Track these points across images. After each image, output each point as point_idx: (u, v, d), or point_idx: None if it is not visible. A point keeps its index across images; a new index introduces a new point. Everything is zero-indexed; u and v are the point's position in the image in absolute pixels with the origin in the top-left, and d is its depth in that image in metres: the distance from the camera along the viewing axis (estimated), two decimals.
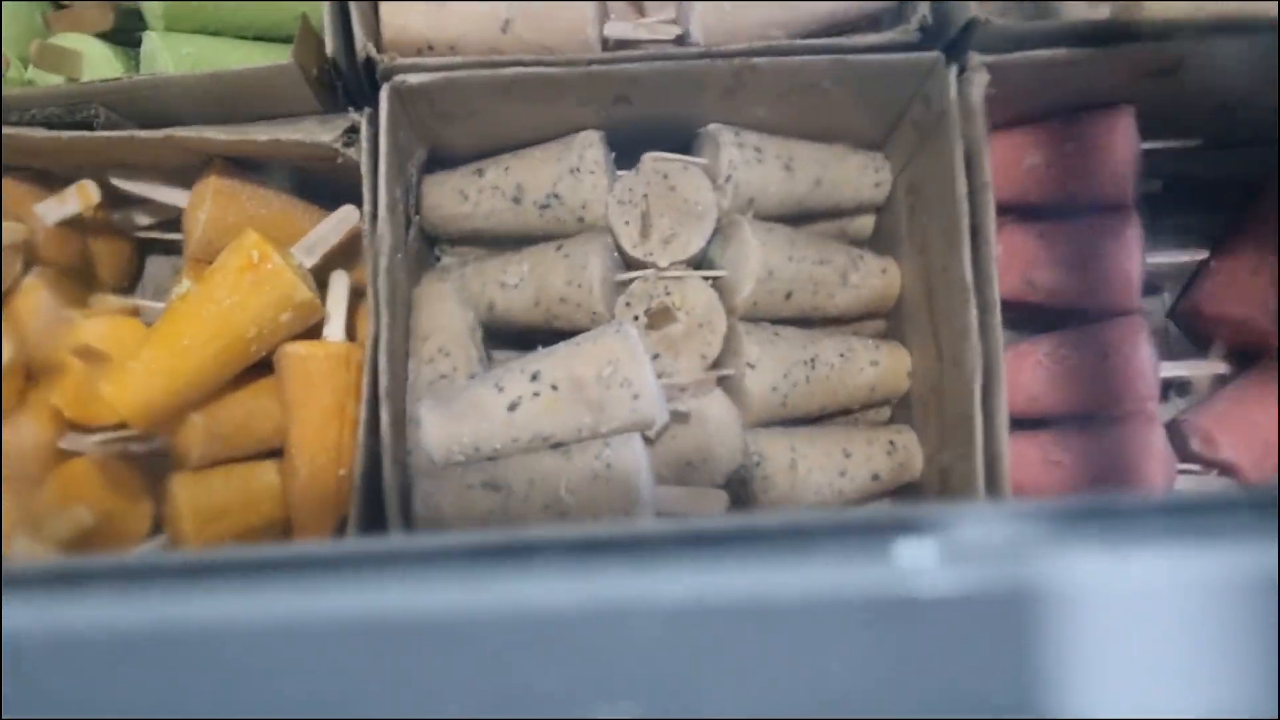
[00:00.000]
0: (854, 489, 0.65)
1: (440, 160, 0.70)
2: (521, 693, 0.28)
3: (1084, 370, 0.66)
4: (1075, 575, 0.27)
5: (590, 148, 0.66)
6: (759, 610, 0.27)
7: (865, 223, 0.75)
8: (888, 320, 0.74)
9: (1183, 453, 0.68)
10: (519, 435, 0.58)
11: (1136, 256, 0.64)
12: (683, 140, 0.69)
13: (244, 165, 0.67)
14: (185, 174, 0.67)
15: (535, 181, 0.66)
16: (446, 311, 0.66)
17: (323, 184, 0.67)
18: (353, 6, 0.60)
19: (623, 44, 0.64)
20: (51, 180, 0.67)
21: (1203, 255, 0.71)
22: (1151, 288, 0.65)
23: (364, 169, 0.61)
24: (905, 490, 0.69)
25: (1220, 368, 0.68)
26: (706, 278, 0.66)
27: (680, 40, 0.64)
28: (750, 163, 0.66)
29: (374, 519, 0.58)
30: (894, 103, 0.65)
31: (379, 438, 0.58)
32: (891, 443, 0.67)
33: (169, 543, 0.63)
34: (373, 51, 0.60)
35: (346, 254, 0.67)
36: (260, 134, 0.62)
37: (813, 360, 0.65)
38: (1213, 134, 0.68)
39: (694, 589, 0.27)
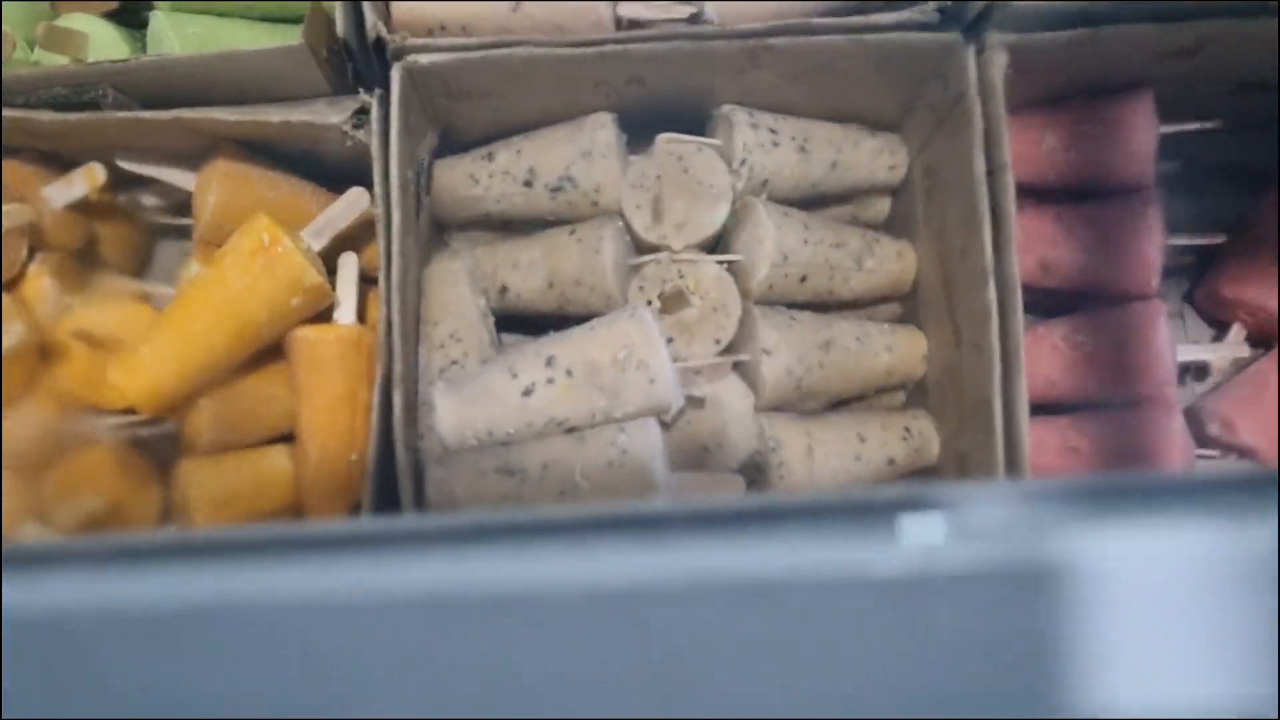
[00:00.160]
0: (870, 474, 0.65)
1: (451, 143, 0.69)
2: (518, 673, 0.27)
3: (1101, 355, 0.65)
4: (1083, 553, 0.27)
5: (602, 129, 0.65)
6: (766, 589, 0.27)
7: (880, 206, 0.74)
8: (902, 304, 0.73)
9: (1201, 438, 0.67)
10: (533, 420, 0.58)
11: (1157, 240, 0.63)
12: (695, 122, 0.68)
13: (251, 147, 0.66)
14: (192, 157, 0.66)
15: (547, 164, 0.66)
16: (458, 296, 0.65)
17: (331, 166, 0.66)
18: None
19: (635, 24, 0.63)
20: (58, 163, 0.66)
21: (1221, 238, 0.70)
22: (1167, 270, 0.64)
23: (374, 150, 0.60)
24: (921, 475, 0.69)
25: (1242, 351, 0.67)
26: (721, 262, 0.65)
27: (694, 19, 0.63)
28: (765, 145, 0.65)
29: (387, 504, 0.58)
30: (911, 83, 0.64)
31: (391, 422, 0.58)
32: (907, 428, 0.66)
33: (178, 528, 0.63)
34: (383, 31, 0.59)
35: (356, 237, 0.66)
36: (270, 115, 0.61)
37: (828, 344, 0.65)
38: (1231, 115, 0.67)
39: (700, 568, 0.27)
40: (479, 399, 0.58)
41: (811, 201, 0.69)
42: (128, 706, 0.27)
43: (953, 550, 0.27)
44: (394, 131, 0.59)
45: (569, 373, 0.57)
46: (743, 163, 0.64)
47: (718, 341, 0.64)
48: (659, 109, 0.65)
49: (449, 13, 0.61)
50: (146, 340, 0.59)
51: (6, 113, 0.60)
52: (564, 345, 0.59)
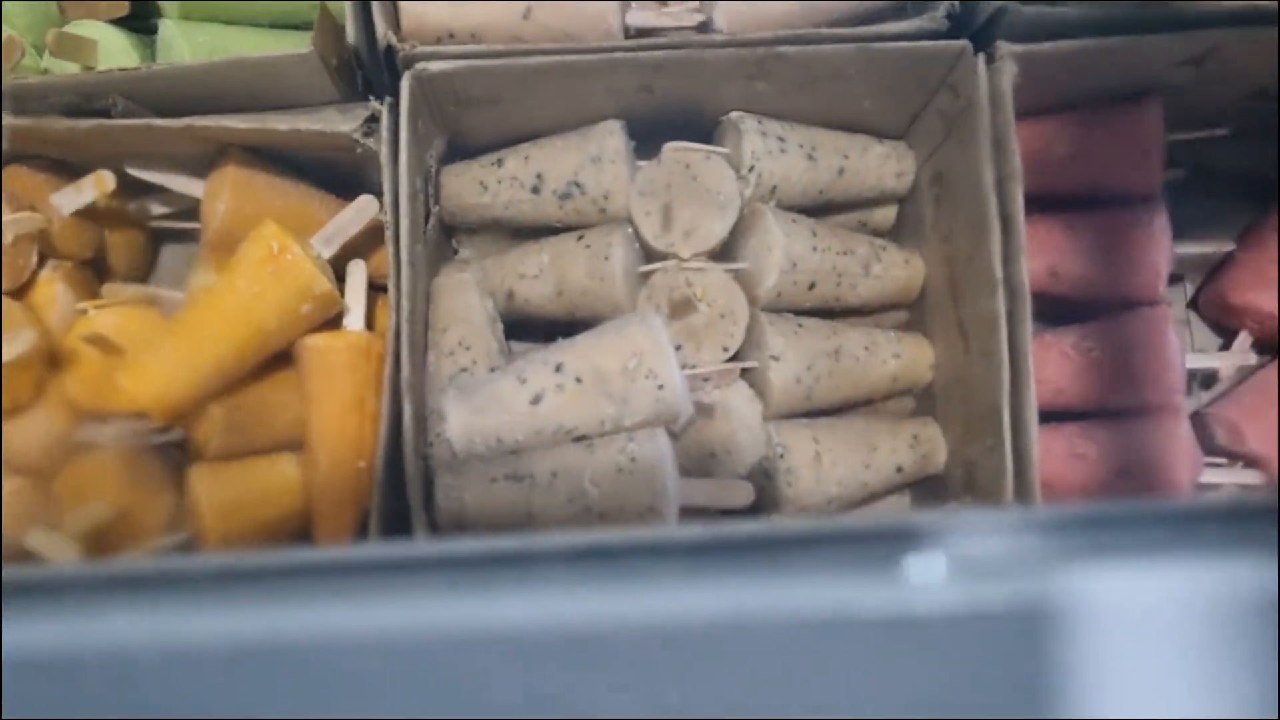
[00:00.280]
0: (878, 481, 0.65)
1: (460, 150, 0.69)
2: (513, 704, 0.27)
3: (1109, 362, 0.65)
4: (1081, 590, 0.27)
5: (611, 136, 0.65)
6: (765, 626, 0.27)
7: (887, 213, 0.74)
8: (909, 311, 0.73)
9: (1208, 445, 0.67)
10: (542, 428, 0.58)
11: (1164, 248, 0.63)
12: (702, 129, 0.68)
13: (260, 154, 0.66)
14: (200, 164, 0.66)
15: (555, 171, 0.66)
16: (466, 303, 0.65)
17: (340, 173, 0.66)
18: None
19: (644, 32, 0.63)
20: (67, 170, 0.66)
21: (1228, 246, 0.70)
22: (1173, 277, 0.64)
23: (384, 158, 0.60)
24: (928, 482, 0.69)
25: (1250, 358, 0.67)
26: (729, 269, 0.65)
27: (702, 28, 0.63)
28: (773, 152, 0.65)
29: (396, 512, 0.58)
30: (919, 92, 0.64)
31: (400, 430, 0.58)
32: (915, 435, 0.67)
33: (190, 535, 0.63)
34: (393, 39, 0.59)
35: (365, 244, 0.66)
36: (280, 123, 0.61)
37: (836, 352, 0.65)
38: (1239, 124, 0.67)
39: (697, 605, 0.27)
40: (488, 406, 0.58)
41: (819, 208, 0.69)
42: None
43: (951, 589, 0.27)
44: (403, 139, 0.60)
45: (578, 380, 0.58)
46: (751, 170, 0.65)
47: (726, 349, 0.64)
48: (667, 116, 0.66)
49: (458, 20, 0.61)
50: (157, 347, 0.59)
51: (17, 120, 0.60)
52: (573, 352, 0.59)
